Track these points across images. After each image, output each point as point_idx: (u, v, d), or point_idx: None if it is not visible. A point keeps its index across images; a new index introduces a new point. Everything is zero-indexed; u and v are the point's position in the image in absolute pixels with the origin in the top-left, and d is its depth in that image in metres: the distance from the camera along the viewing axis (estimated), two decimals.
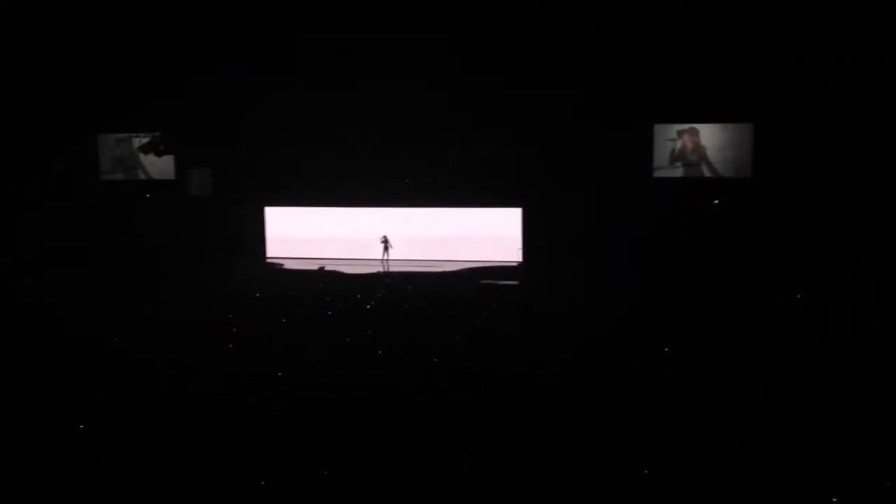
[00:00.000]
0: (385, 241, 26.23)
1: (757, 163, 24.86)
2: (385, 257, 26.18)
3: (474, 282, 23.75)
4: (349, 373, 13.89)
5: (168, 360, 14.52)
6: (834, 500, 9.29)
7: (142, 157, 28.22)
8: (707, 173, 25.47)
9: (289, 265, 26.59)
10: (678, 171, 25.60)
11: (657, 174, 25.56)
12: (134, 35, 25.73)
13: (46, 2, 25.75)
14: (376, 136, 26.08)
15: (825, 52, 22.76)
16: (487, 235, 26.43)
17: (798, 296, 18.84)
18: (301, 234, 27.50)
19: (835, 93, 22.93)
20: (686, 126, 25.59)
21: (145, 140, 27.81)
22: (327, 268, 25.49)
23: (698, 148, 25.51)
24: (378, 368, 14.28)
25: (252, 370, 14.01)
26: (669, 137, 25.59)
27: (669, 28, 23.70)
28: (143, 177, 28.51)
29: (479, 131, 25.55)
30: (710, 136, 25.46)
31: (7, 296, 19.95)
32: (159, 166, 28.27)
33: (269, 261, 27.19)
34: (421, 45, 24.49)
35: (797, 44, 22.98)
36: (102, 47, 26.09)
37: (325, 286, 22.46)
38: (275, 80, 25.57)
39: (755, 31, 23.19)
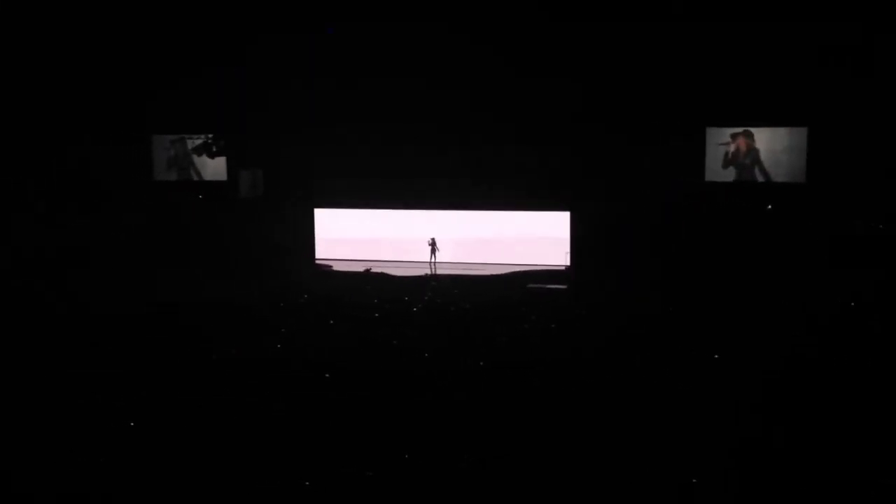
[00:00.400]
0: (433, 244, 26.23)
1: (811, 167, 24.38)
2: (432, 260, 26.19)
3: (521, 285, 23.68)
4: (393, 373, 14.00)
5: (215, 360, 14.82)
6: None
7: (195, 158, 28.62)
8: (760, 178, 25.05)
9: (337, 267, 26.72)
10: (730, 175, 25.20)
11: (709, 178, 25.19)
12: (186, 37, 26.15)
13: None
14: (425, 137, 26.05)
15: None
16: (536, 238, 26.29)
17: (852, 304, 18.51)
18: (350, 235, 27.60)
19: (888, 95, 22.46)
20: (740, 129, 25.19)
21: (198, 141, 28.22)
22: (374, 270, 25.60)
23: (752, 151, 25.10)
24: (423, 370, 14.37)
25: (297, 371, 14.20)
26: (722, 142, 25.23)
27: (719, 26, 23.39)
28: (195, 178, 28.90)
29: (530, 133, 25.41)
30: (764, 139, 25.02)
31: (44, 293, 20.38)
32: (212, 168, 28.65)
33: (317, 262, 27.35)
34: (471, 46, 24.49)
35: (851, 45, 22.57)
36: (153, 49, 26.55)
37: (372, 288, 22.66)
38: (324, 81, 25.76)
39: (809, 32, 22.81)
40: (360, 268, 25.95)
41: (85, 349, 15.24)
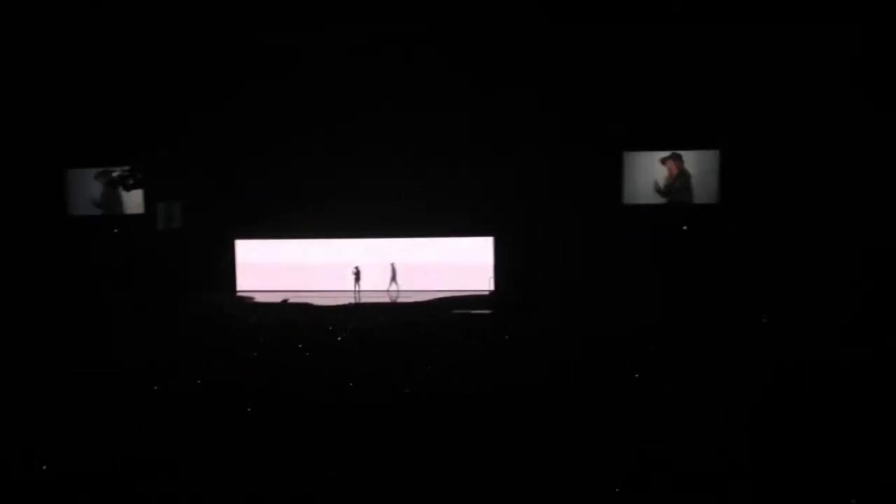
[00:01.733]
0: (357, 272, 26.15)
1: (724, 188, 25.16)
2: (357, 288, 26.09)
3: (447, 311, 23.72)
4: (322, 402, 13.84)
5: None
6: (852, 501, 9.47)
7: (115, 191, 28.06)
8: (687, 200, 25.68)
9: (259, 298, 26.38)
10: (660, 199, 25.81)
11: (627, 201, 25.72)
12: (105, 70, 25.65)
13: (23, 34, 25.61)
14: (349, 164, 26.01)
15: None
16: (459, 264, 26.40)
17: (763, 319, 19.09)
18: (273, 263, 27.31)
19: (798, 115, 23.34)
20: (668, 153, 25.82)
21: (115, 174, 27.64)
22: (292, 300, 25.37)
23: (683, 175, 25.71)
24: (350, 398, 14.23)
25: (222, 405, 13.92)
26: (660, 161, 25.83)
27: (641, 51, 24.02)
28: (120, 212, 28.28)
29: (450, 158, 25.60)
30: (692, 163, 25.74)
31: None
32: (130, 200, 28.06)
33: (239, 294, 26.96)
34: (401, 74, 24.62)
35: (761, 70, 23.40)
36: (70, 81, 25.98)
37: (297, 318, 22.40)
38: (242, 110, 25.53)
39: (725, 57, 23.60)
40: (280, 298, 25.70)
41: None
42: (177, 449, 11.77)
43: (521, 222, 25.54)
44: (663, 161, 25.81)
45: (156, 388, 14.94)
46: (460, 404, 13.58)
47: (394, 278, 26.33)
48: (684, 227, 25.13)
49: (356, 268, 26.20)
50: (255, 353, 17.75)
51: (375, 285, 26.31)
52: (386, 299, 25.49)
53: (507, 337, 18.87)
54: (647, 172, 25.82)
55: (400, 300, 25.42)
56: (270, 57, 24.95)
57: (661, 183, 25.74)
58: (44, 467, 10.96)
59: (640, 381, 14.67)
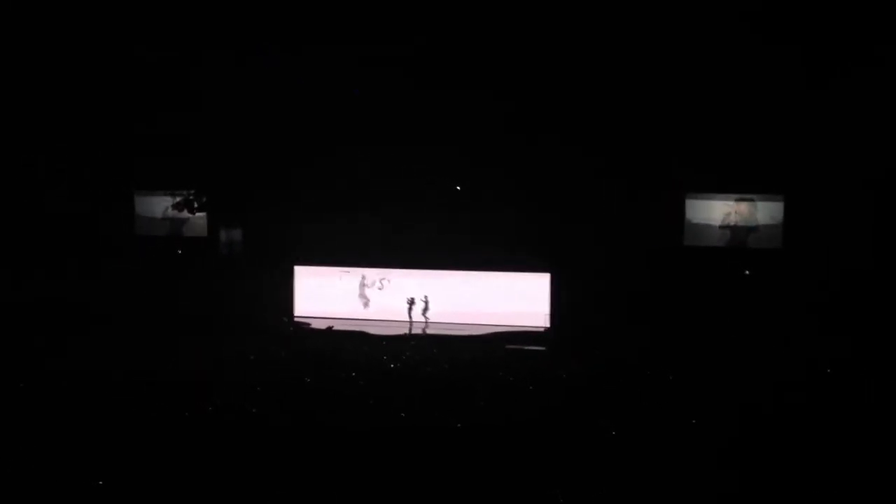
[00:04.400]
0: (411, 303, 26.19)
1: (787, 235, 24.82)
2: (411, 319, 26.12)
3: (500, 346, 23.60)
4: (370, 432, 13.83)
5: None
6: None
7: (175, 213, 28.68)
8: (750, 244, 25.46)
9: (315, 325, 26.56)
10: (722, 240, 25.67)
11: (688, 242, 25.50)
12: (168, 96, 26.36)
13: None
14: (403, 197, 26.23)
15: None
16: (515, 300, 26.26)
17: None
18: (330, 293, 27.51)
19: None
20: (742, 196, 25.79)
21: (179, 198, 28.29)
22: (348, 328, 25.48)
23: (752, 217, 25.60)
24: (400, 430, 14.20)
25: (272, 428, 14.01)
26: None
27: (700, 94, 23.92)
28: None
29: (508, 195, 25.66)
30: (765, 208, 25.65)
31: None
32: (192, 224, 28.67)
33: (296, 319, 27.19)
34: (452, 107, 24.81)
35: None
36: (134, 107, 26.75)
37: (351, 346, 22.52)
38: (305, 143, 25.96)
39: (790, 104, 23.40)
40: (341, 326, 25.85)
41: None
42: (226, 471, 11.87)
43: (579, 260, 25.36)
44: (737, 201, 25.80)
45: (210, 408, 15.11)
46: (509, 437, 13.48)
47: (412, 311, 26.20)
48: (746, 272, 24.73)
49: (411, 298, 26.24)
50: (307, 378, 17.85)
51: (432, 317, 26.29)
52: (438, 331, 25.36)
53: (563, 376, 18.71)
54: (710, 214, 25.71)
55: (439, 332, 25.21)
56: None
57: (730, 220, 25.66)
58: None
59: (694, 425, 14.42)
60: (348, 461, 12.28)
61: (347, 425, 14.15)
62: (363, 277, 27.34)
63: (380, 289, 27.04)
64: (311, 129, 25.92)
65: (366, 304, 27.34)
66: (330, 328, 25.51)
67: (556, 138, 24.86)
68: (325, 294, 27.46)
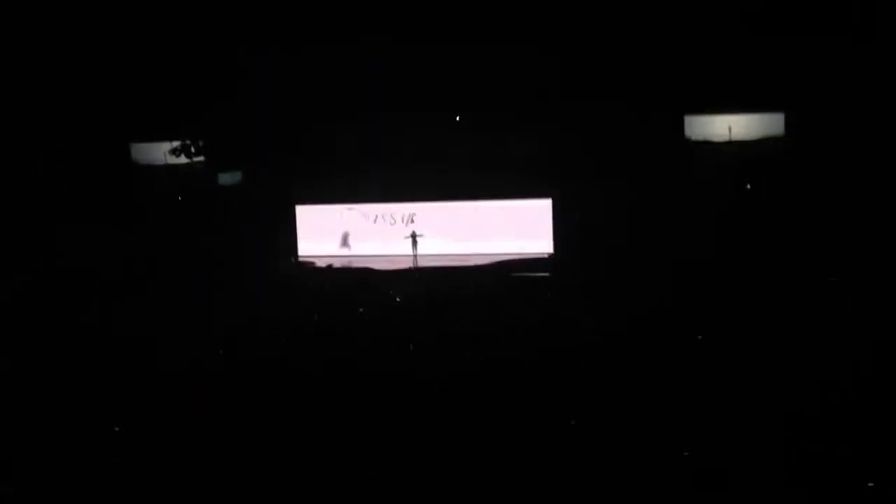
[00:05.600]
0: (413, 237, 26.17)
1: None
2: (414, 252, 26.14)
3: (505, 275, 23.64)
4: (380, 365, 13.99)
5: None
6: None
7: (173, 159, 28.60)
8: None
9: (320, 263, 26.60)
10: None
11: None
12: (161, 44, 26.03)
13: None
14: (401, 127, 26.06)
15: None
16: (518, 227, 26.23)
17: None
18: (332, 229, 27.50)
19: None
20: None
21: (176, 144, 28.19)
22: (354, 265, 25.54)
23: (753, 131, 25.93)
24: (409, 362, 14.36)
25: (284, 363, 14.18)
26: None
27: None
28: None
29: (507, 121, 25.49)
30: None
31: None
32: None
33: (299, 259, 27.24)
34: (451, 44, 24.57)
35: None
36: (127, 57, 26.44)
37: (356, 282, 22.61)
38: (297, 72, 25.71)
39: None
40: (343, 263, 25.92)
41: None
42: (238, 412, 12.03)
43: (580, 186, 25.25)
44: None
45: (221, 351, 15.26)
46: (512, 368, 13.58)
47: (415, 245, 26.12)
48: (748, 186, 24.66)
49: (413, 232, 26.22)
50: (315, 316, 17.99)
51: (435, 249, 26.28)
52: (446, 263, 25.35)
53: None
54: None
55: (443, 264, 25.21)
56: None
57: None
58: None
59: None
60: (360, 401, 12.43)
61: (357, 363, 14.30)
62: (365, 213, 27.27)
63: (391, 224, 26.84)
64: (306, 69, 25.68)
65: (367, 241, 27.30)
66: (330, 266, 25.51)
67: (554, 60, 24.60)
68: (328, 232, 27.43)
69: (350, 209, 27.22)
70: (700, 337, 14.77)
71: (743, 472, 9.64)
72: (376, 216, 27.22)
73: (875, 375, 12.29)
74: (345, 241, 26.39)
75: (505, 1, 24.71)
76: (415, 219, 26.69)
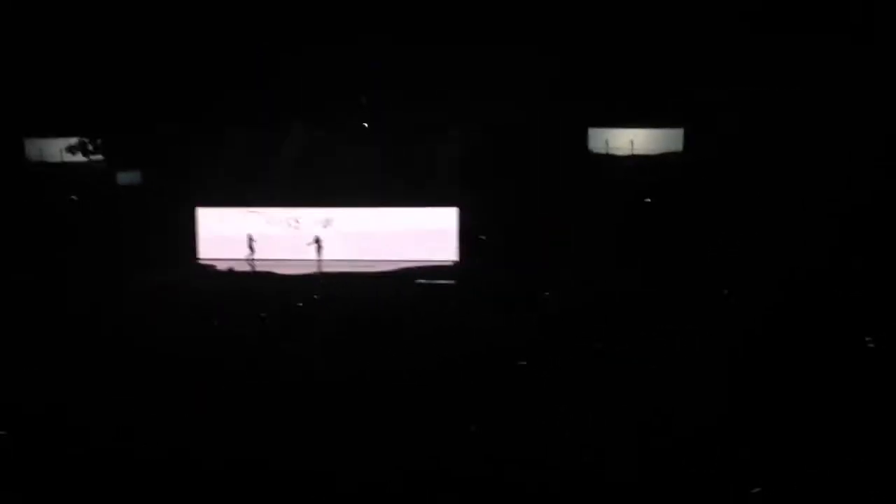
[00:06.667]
0: (318, 242, 25.89)
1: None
2: (319, 257, 25.87)
3: (409, 281, 23.64)
4: (279, 367, 13.84)
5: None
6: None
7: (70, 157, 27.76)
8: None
9: (221, 266, 26.05)
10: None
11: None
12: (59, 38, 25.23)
13: None
14: (309, 132, 25.92)
15: None
16: (423, 234, 26.25)
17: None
18: (235, 233, 26.91)
19: None
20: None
21: (73, 142, 27.37)
22: (256, 269, 25.16)
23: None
24: (316, 370, 14.24)
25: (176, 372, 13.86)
26: None
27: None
28: None
29: (415, 131, 25.62)
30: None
31: None
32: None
33: (200, 261, 26.63)
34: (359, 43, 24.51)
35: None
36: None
37: (259, 287, 22.25)
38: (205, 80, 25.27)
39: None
40: (246, 266, 25.47)
41: None
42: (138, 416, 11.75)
43: (486, 193, 25.48)
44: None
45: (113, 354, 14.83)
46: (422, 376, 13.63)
47: (319, 249, 25.90)
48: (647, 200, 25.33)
49: (317, 237, 25.94)
50: (214, 321, 17.65)
51: (340, 255, 26.05)
52: (348, 269, 25.18)
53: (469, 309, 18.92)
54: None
55: (348, 270, 25.05)
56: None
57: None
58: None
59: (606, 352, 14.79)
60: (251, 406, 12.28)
61: (258, 367, 14.12)
62: (268, 217, 26.85)
63: (295, 227, 26.45)
64: (210, 67, 25.23)
65: (271, 245, 26.85)
66: (231, 269, 25.03)
67: (464, 70, 24.92)
68: (230, 235, 26.86)
69: (253, 212, 26.77)
70: (598, 345, 15.06)
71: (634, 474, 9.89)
72: (280, 220, 26.85)
73: (761, 383, 12.80)
74: (248, 245, 25.85)
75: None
76: (326, 224, 26.42)
